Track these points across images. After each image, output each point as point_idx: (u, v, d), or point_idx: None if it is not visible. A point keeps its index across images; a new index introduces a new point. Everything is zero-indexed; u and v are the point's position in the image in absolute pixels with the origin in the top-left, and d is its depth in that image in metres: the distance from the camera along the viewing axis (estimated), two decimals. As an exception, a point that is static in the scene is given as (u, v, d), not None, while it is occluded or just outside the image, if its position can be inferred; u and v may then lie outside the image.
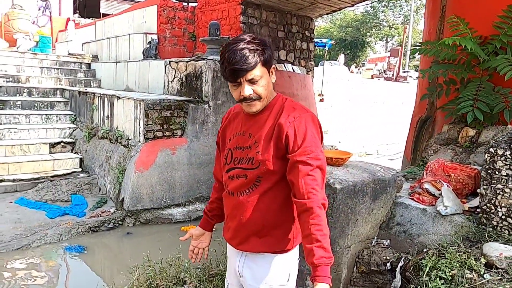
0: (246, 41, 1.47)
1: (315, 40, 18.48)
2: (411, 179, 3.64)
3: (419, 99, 4.85)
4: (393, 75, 30.52)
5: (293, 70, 8.57)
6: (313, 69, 9.76)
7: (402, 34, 33.36)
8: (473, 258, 2.10)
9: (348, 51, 41.69)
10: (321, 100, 15.52)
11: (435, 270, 2.11)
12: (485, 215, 2.50)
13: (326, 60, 27.85)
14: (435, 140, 4.09)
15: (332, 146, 11.26)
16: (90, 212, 5.53)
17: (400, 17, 44.27)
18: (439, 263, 2.14)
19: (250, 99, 1.50)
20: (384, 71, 32.55)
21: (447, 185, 2.92)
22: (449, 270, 2.07)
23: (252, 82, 1.48)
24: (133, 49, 8.65)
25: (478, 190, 2.63)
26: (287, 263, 1.63)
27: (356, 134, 14.49)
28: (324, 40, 19.38)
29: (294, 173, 1.47)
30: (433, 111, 4.66)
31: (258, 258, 1.62)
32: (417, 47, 3.97)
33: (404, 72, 30.95)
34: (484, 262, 2.06)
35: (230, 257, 1.78)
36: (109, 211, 5.55)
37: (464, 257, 2.14)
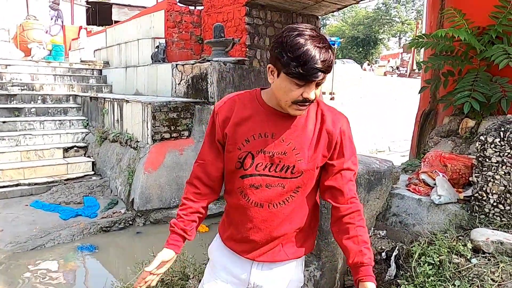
0: (322, 37, 1.30)
1: (324, 38, 18.45)
2: (410, 171, 3.66)
3: (419, 93, 4.87)
4: (406, 71, 30.17)
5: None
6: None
7: (415, 30, 32.94)
8: (461, 244, 2.13)
9: (360, 49, 41.39)
10: (332, 99, 15.50)
11: (424, 256, 2.15)
12: (477, 203, 2.51)
13: (338, 58, 27.73)
14: (436, 132, 4.09)
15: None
16: (101, 213, 5.69)
17: (412, 12, 43.77)
18: (428, 249, 2.18)
19: (309, 102, 1.34)
20: (397, 68, 32.18)
21: (442, 175, 2.93)
22: (437, 255, 2.10)
23: (318, 85, 1.33)
24: (142, 54, 8.84)
25: (470, 178, 2.65)
26: (302, 265, 1.63)
27: (368, 132, 14.41)
28: (333, 38, 19.35)
29: (337, 179, 1.45)
30: (435, 104, 4.66)
31: (278, 265, 1.54)
32: (414, 41, 3.98)
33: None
34: (471, 247, 2.09)
35: (231, 268, 1.58)
36: (120, 212, 5.70)
37: (453, 243, 2.17)
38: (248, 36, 7.87)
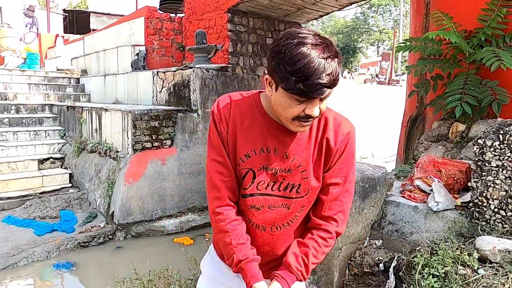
0: (327, 45, 1.13)
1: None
2: (402, 177, 3.56)
3: (408, 97, 4.81)
4: (385, 79, 30.63)
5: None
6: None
7: (393, 38, 33.58)
8: (466, 254, 2.01)
9: (340, 57, 41.90)
10: (314, 106, 15.51)
11: (428, 268, 2.02)
12: (477, 209, 2.42)
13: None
14: (426, 137, 4.02)
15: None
16: (79, 227, 5.40)
17: (390, 21, 44.70)
18: (431, 260, 2.05)
19: (312, 118, 1.19)
20: (377, 75, 32.64)
21: (438, 181, 2.84)
22: (442, 267, 1.98)
23: (322, 100, 1.16)
24: (121, 61, 8.59)
25: (469, 184, 2.55)
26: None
27: (351, 139, 14.43)
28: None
29: (324, 193, 1.32)
30: (422, 109, 4.60)
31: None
32: (402, 44, 3.92)
33: (396, 75, 31.07)
34: (477, 257, 1.98)
35: (229, 284, 1.48)
36: (99, 226, 5.42)
37: (457, 253, 2.05)
38: (230, 43, 7.72)
